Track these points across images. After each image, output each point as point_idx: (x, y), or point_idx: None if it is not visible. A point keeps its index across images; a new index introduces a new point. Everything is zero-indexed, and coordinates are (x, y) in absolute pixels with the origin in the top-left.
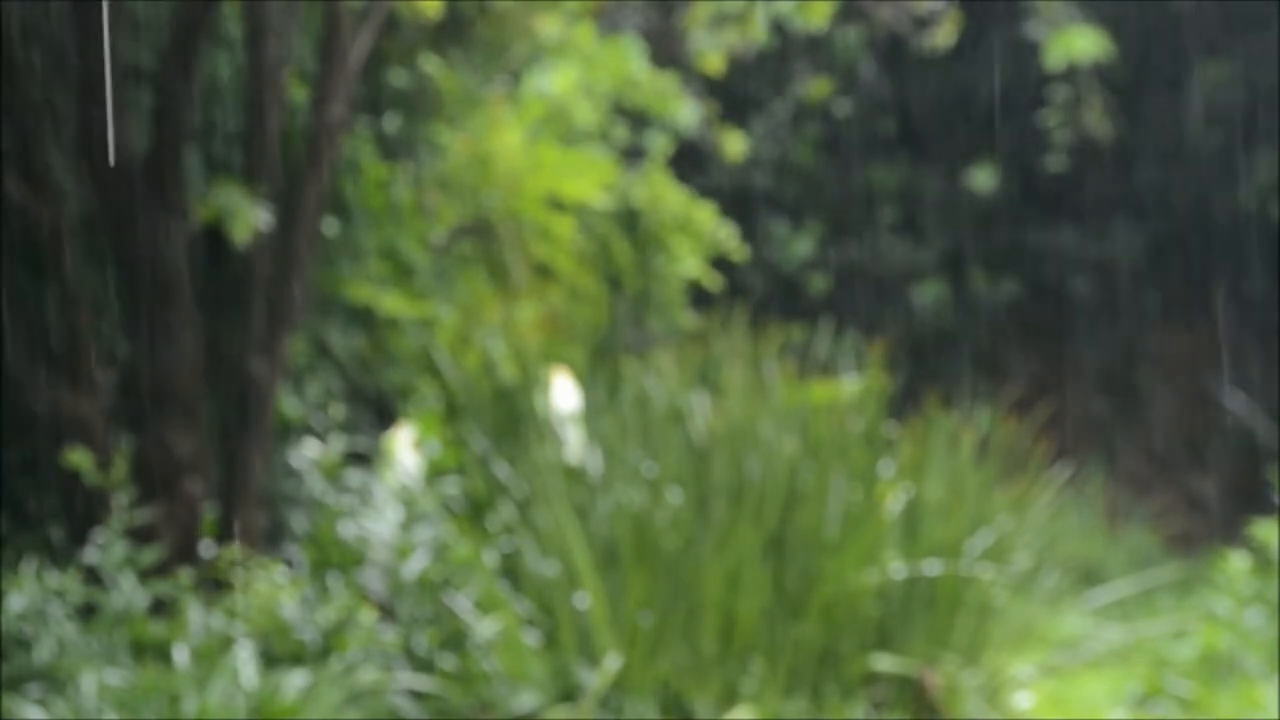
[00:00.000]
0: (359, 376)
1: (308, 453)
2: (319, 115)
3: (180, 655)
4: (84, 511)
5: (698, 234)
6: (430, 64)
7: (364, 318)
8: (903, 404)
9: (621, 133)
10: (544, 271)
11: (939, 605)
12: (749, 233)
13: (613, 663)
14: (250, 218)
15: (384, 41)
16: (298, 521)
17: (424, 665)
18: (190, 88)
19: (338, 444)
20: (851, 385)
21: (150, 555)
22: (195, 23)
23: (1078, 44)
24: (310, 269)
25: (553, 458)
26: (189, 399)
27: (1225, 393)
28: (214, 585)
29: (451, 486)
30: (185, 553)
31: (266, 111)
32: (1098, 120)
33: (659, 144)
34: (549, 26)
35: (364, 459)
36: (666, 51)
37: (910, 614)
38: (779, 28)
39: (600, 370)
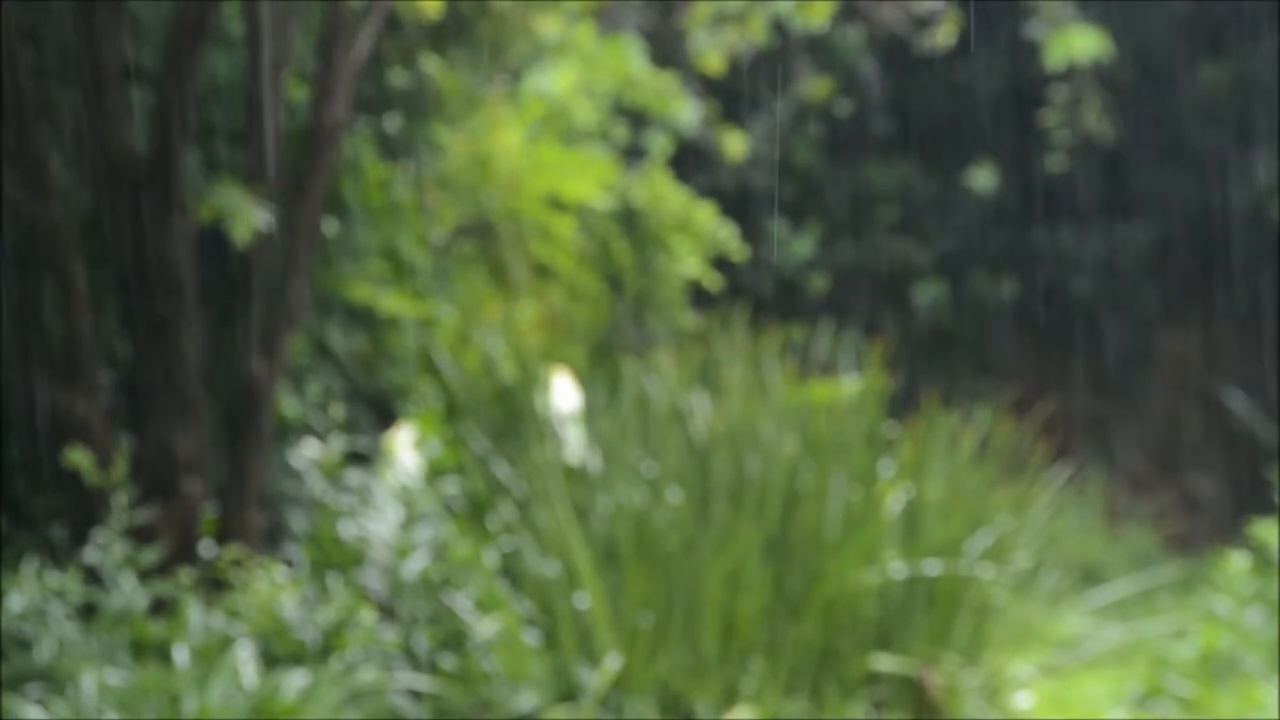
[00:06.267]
0: (359, 376)
1: (308, 453)
2: (319, 115)
3: (180, 655)
4: (84, 511)
5: (698, 234)
6: (430, 64)
7: (364, 318)
8: (903, 404)
9: (621, 133)
10: (544, 271)
11: (939, 605)
12: (749, 233)
13: (613, 663)
14: (250, 218)
15: (384, 41)
16: (298, 521)
17: (424, 665)
18: (190, 88)
19: (338, 444)
20: (851, 385)
21: (150, 555)
22: (195, 23)
23: (1078, 44)
24: (310, 269)
25: (553, 458)
26: (189, 399)
27: (1225, 393)
28: (214, 585)
29: (451, 486)
30: (185, 553)
31: (266, 111)
32: (1097, 120)
33: (659, 144)
34: (549, 26)
35: (364, 459)
36: (666, 51)
37: (910, 614)
38: (779, 28)
39: (600, 370)
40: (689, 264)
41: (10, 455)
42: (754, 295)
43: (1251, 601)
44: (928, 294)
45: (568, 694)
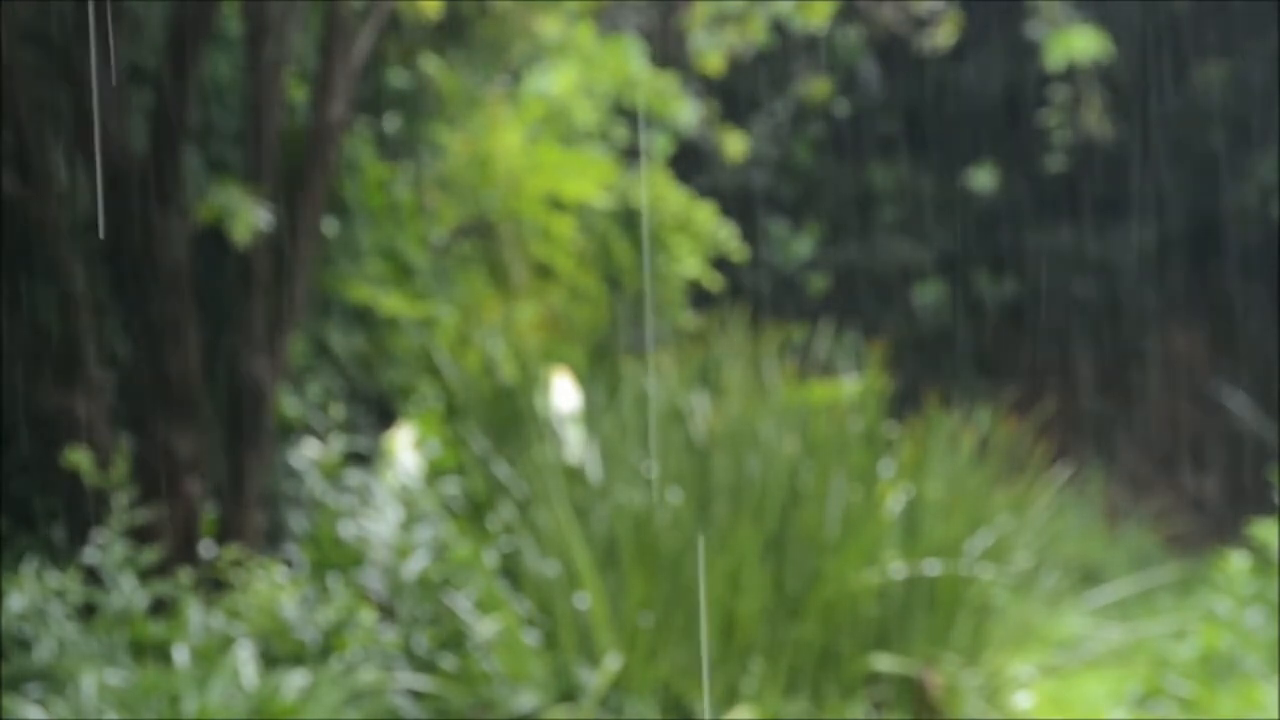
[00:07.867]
0: (359, 376)
1: (308, 453)
2: (319, 115)
3: (180, 655)
4: (84, 511)
5: (698, 234)
6: (430, 64)
7: (364, 318)
8: (903, 404)
9: (621, 133)
10: (544, 271)
11: (939, 605)
12: (749, 233)
13: (613, 663)
14: (250, 218)
15: (384, 41)
16: (298, 521)
17: (424, 665)
18: (190, 88)
19: (338, 444)
20: (851, 385)
21: (150, 555)
22: (195, 23)
23: (1078, 44)
24: (310, 269)
25: (553, 458)
26: (189, 399)
27: (1225, 393)
28: (214, 585)
29: (451, 486)
30: (185, 553)
31: (266, 111)
32: (1098, 120)
33: (659, 144)
34: (549, 26)
35: (364, 459)
36: (666, 51)
37: (910, 614)
38: (779, 28)
39: (600, 370)
40: (689, 264)
41: (10, 455)
42: (754, 295)
43: (1251, 601)
44: (928, 294)
45: (568, 694)
